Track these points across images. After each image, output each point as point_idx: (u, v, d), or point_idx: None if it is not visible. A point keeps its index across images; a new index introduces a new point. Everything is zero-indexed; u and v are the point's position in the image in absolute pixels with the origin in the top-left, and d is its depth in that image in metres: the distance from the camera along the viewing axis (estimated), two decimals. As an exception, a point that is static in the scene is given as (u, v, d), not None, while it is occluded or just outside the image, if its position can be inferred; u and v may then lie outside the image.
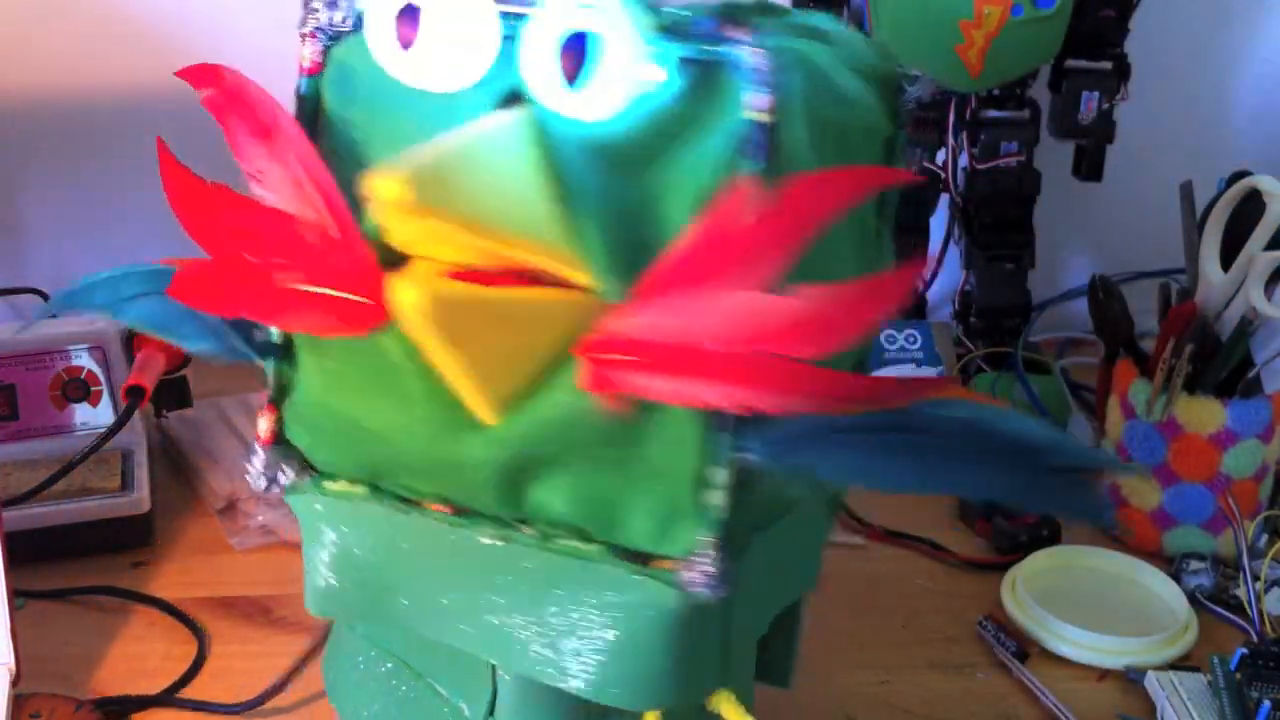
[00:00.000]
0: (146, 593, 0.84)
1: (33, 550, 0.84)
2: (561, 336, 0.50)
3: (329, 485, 0.57)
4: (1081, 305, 1.03)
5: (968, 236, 1.12)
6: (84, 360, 0.90)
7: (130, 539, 0.88)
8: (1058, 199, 1.22)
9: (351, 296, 0.51)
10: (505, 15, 0.50)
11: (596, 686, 0.54)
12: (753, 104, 0.48)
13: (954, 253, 1.16)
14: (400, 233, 0.50)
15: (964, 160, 1.09)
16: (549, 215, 0.48)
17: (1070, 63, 1.07)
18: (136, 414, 0.89)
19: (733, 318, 0.47)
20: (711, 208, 0.48)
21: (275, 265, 0.52)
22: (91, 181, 1.14)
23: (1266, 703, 0.74)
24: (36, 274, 1.15)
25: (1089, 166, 1.11)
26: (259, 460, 0.58)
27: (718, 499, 0.51)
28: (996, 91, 1.06)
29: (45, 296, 1.13)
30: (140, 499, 0.88)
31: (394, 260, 0.51)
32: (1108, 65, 1.07)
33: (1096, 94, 1.07)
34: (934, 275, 1.17)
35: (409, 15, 0.51)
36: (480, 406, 0.51)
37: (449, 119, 0.50)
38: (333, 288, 0.51)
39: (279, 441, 0.58)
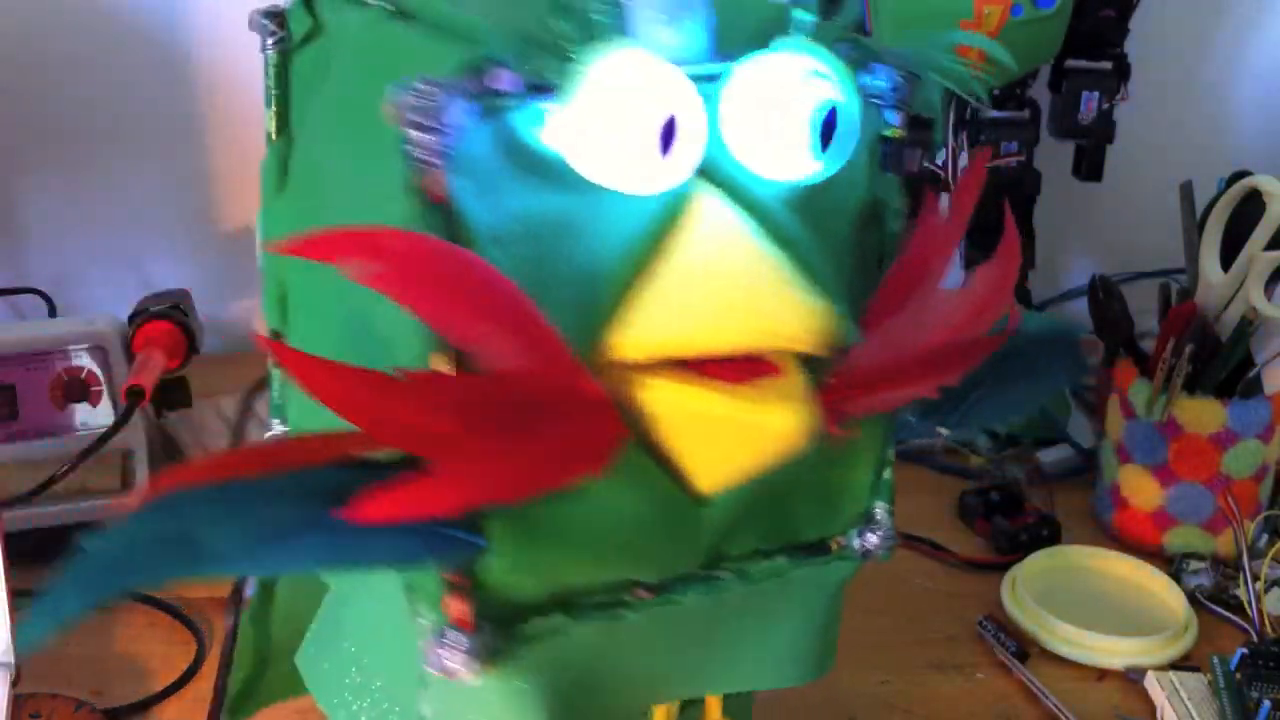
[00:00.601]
0: (146, 593, 0.84)
1: (33, 550, 0.84)
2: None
3: (527, 628, 0.50)
4: (1081, 305, 1.03)
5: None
6: (84, 360, 0.90)
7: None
8: (1058, 199, 1.22)
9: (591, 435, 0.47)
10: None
11: (801, 672, 0.60)
12: (895, 122, 0.53)
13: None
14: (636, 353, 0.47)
15: (964, 160, 1.09)
16: (788, 287, 0.48)
17: (1070, 63, 1.07)
18: (136, 414, 0.89)
19: (937, 319, 0.53)
20: (916, 226, 0.54)
21: (511, 437, 0.45)
22: (91, 181, 1.14)
23: (1267, 703, 0.74)
24: (36, 274, 1.15)
25: (1089, 166, 1.11)
26: (457, 652, 0.48)
27: (890, 472, 0.56)
28: (996, 91, 1.06)
29: (45, 296, 1.13)
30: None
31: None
32: (1108, 65, 1.07)
33: (1096, 94, 1.07)
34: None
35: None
36: (717, 485, 0.50)
37: (609, 218, 0.47)
38: (576, 435, 0.47)
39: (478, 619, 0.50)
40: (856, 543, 0.58)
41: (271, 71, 0.60)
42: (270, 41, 0.59)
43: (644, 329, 0.47)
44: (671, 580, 0.53)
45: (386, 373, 0.44)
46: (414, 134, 0.44)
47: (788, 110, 0.49)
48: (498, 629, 0.49)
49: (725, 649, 0.58)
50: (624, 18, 0.47)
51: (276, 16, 0.59)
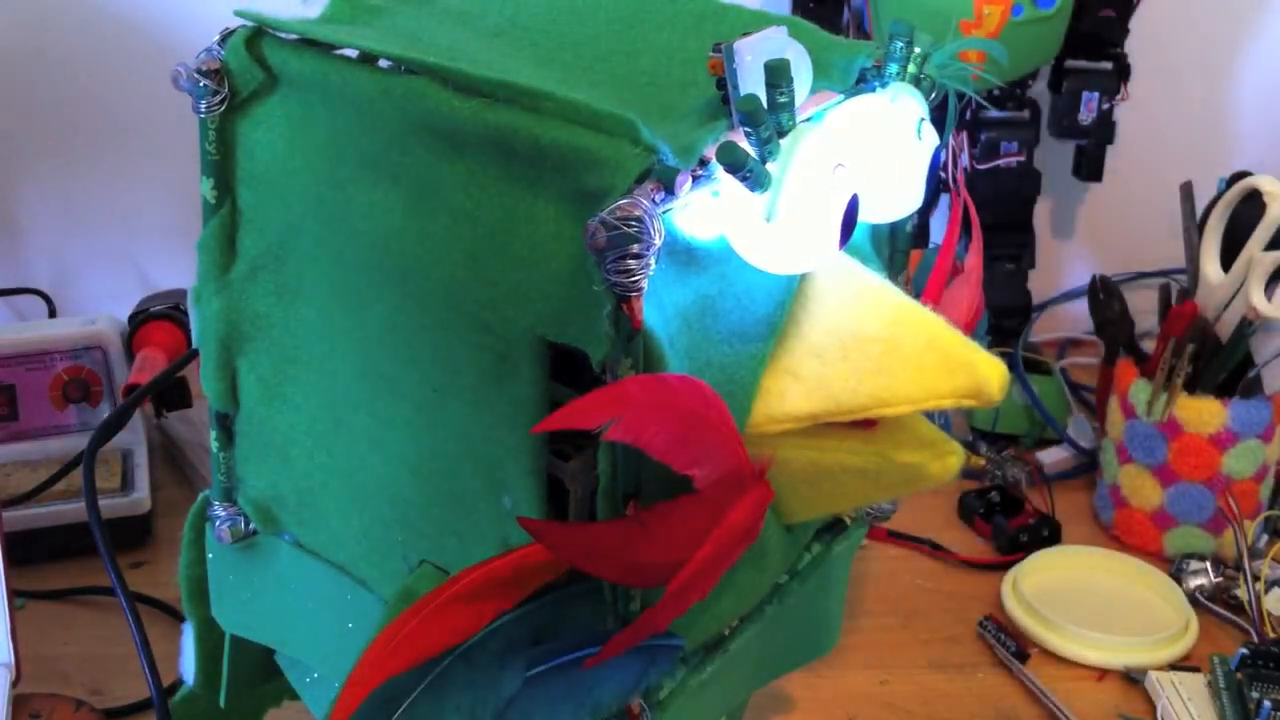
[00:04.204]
0: (146, 593, 0.84)
1: (33, 550, 0.84)
2: None
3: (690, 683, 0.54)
4: (1081, 305, 1.03)
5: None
6: (84, 360, 0.90)
7: (130, 539, 0.88)
8: (1058, 199, 1.22)
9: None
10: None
11: (829, 640, 0.64)
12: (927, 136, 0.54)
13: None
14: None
15: (964, 160, 1.09)
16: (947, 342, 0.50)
17: (1070, 63, 1.07)
18: (136, 414, 0.89)
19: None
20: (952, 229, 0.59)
21: (712, 539, 0.47)
22: (92, 182, 1.14)
23: (1267, 703, 0.74)
24: (36, 274, 1.15)
25: (1089, 166, 1.11)
26: None
27: None
28: (997, 91, 1.06)
29: (45, 296, 1.13)
30: (140, 499, 0.88)
31: None
32: (1108, 65, 1.07)
33: (1096, 94, 1.07)
34: (934, 275, 1.17)
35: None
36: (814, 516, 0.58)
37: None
38: (750, 513, 0.47)
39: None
40: (865, 508, 0.62)
41: (211, 135, 0.53)
42: (209, 103, 0.52)
43: (792, 402, 0.49)
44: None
45: (625, 523, 0.46)
46: (617, 263, 0.42)
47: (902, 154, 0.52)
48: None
49: (783, 642, 0.61)
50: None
51: (215, 74, 0.52)
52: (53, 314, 1.12)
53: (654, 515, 0.46)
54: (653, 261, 0.42)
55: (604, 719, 0.50)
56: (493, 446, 0.49)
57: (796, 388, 0.50)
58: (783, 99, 0.45)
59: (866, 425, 0.50)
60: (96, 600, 0.84)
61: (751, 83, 0.45)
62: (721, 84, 0.45)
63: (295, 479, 0.57)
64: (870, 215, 0.52)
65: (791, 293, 0.50)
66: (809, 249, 0.47)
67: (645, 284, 0.43)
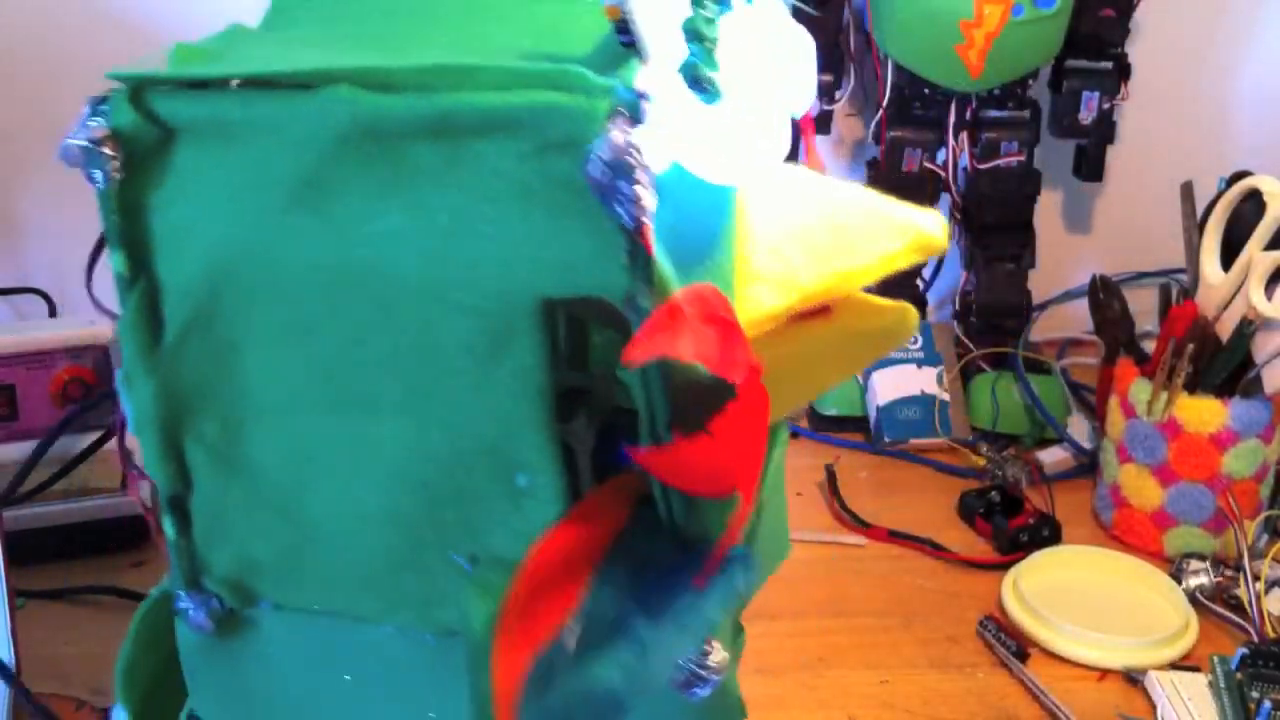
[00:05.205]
0: (147, 593, 0.84)
1: (33, 550, 0.84)
2: None
3: None
4: (1081, 305, 1.03)
5: (968, 236, 1.12)
6: (84, 360, 0.90)
7: (130, 539, 0.88)
8: (1058, 199, 1.22)
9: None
10: None
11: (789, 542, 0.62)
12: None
13: (954, 253, 1.16)
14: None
15: (964, 160, 1.09)
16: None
17: (1070, 63, 1.07)
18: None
19: None
20: None
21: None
22: (91, 181, 1.14)
23: (1267, 703, 0.74)
24: (36, 274, 1.15)
25: (1089, 166, 1.12)
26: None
27: None
28: (997, 91, 1.06)
29: (45, 296, 1.13)
30: (140, 499, 0.88)
31: None
32: (1108, 65, 1.07)
33: (1096, 94, 1.07)
34: (934, 275, 1.17)
35: None
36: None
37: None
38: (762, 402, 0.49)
39: None
40: None
41: (114, 205, 0.50)
42: (106, 174, 0.49)
43: (767, 303, 0.50)
44: None
45: (701, 438, 0.46)
46: (627, 194, 0.43)
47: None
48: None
49: (762, 552, 0.61)
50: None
51: (109, 140, 0.49)
52: (53, 314, 1.12)
53: (718, 426, 0.46)
54: (653, 187, 0.43)
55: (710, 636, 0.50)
56: (498, 426, 0.49)
57: (766, 288, 0.51)
58: (708, 14, 0.47)
59: (823, 314, 0.53)
60: (96, 600, 0.84)
61: (649, 22, 0.46)
62: (622, 27, 0.46)
63: (270, 539, 0.54)
64: (793, 108, 0.53)
65: (735, 203, 0.51)
66: (767, 146, 0.49)
67: (654, 208, 0.44)
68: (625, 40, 0.47)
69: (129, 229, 0.51)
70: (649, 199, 0.43)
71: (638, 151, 0.43)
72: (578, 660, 0.48)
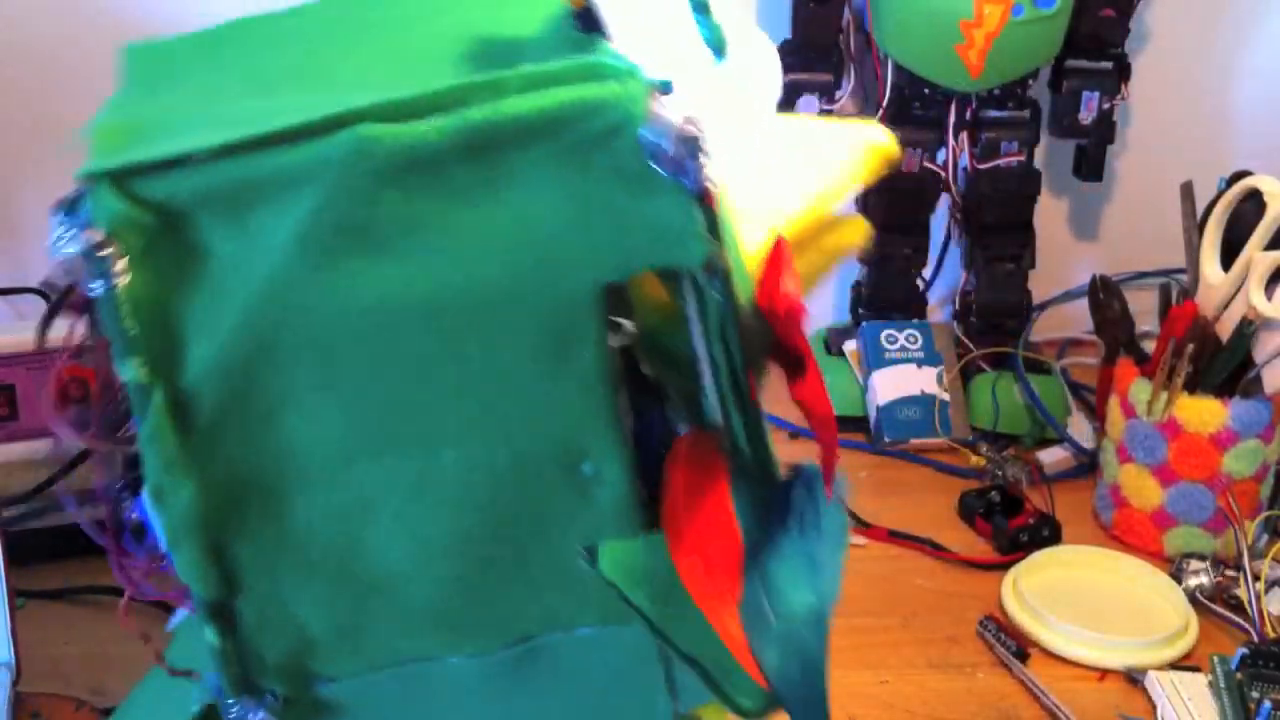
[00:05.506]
0: (144, 593, 0.84)
1: (33, 550, 0.84)
2: None
3: None
4: (1081, 305, 1.03)
5: (968, 236, 1.12)
6: (84, 360, 0.90)
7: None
8: (1058, 199, 1.22)
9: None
10: None
11: None
12: None
13: (954, 253, 1.16)
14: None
15: (964, 160, 1.09)
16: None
17: (1070, 63, 1.07)
18: (137, 414, 0.89)
19: None
20: None
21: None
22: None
23: (1267, 703, 0.74)
24: (36, 274, 1.15)
25: (1089, 166, 1.11)
26: None
27: None
28: (997, 91, 1.06)
29: (45, 297, 1.12)
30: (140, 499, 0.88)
31: None
32: (1108, 65, 1.07)
33: (1096, 94, 1.07)
34: (934, 275, 1.17)
35: None
36: None
37: None
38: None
39: None
40: None
41: (126, 309, 0.45)
42: (109, 279, 0.44)
43: (760, 238, 0.51)
44: None
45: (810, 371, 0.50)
46: (697, 166, 0.45)
47: None
48: None
49: None
50: None
51: (107, 242, 0.44)
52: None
53: (809, 359, 0.50)
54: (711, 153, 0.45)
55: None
56: (566, 423, 0.48)
57: (755, 226, 0.52)
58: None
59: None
60: (96, 600, 0.84)
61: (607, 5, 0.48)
62: (585, 13, 0.48)
63: (327, 610, 0.51)
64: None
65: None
66: (767, 98, 0.54)
67: (718, 174, 0.45)
68: (584, 26, 0.48)
69: (143, 330, 0.46)
70: (713, 166, 0.45)
71: (697, 123, 0.44)
72: (778, 595, 0.49)
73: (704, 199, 0.45)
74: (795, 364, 0.50)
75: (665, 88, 0.45)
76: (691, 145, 0.44)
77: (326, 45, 0.54)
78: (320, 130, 0.44)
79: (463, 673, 0.53)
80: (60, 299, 0.49)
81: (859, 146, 0.56)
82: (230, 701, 0.51)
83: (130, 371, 0.46)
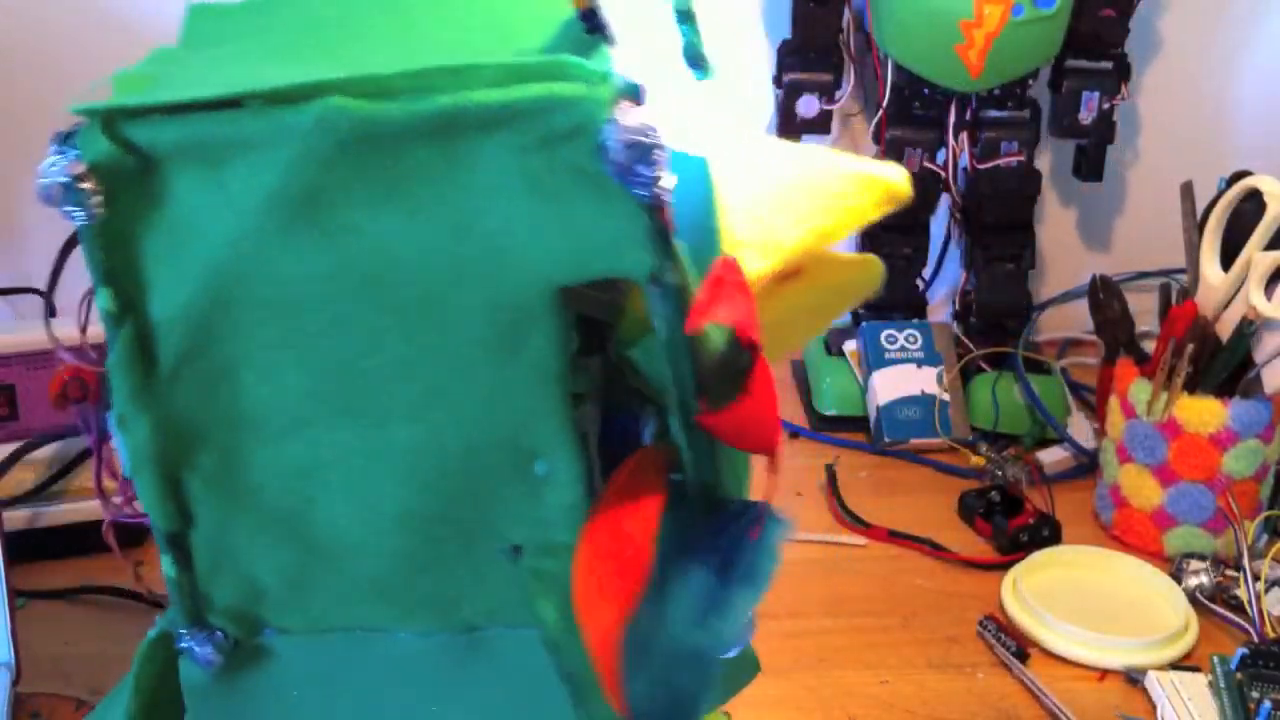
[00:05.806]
0: (147, 593, 0.84)
1: (33, 550, 0.84)
2: None
3: None
4: (1081, 305, 1.03)
5: (968, 236, 1.12)
6: (84, 360, 0.90)
7: (131, 539, 0.88)
8: (1058, 199, 1.22)
9: None
10: None
11: None
12: None
13: (954, 253, 1.16)
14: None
15: (964, 160, 1.09)
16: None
17: (1070, 63, 1.07)
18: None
19: None
20: None
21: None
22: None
23: (1267, 703, 0.74)
24: (37, 274, 1.15)
25: (1089, 167, 1.11)
26: None
27: None
28: (997, 91, 1.06)
29: (45, 296, 1.12)
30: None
31: None
32: (1108, 65, 1.07)
33: (1096, 94, 1.07)
34: (934, 275, 1.17)
35: None
36: None
37: None
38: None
39: None
40: None
41: (98, 241, 0.48)
42: (88, 209, 0.47)
43: (754, 267, 0.50)
44: None
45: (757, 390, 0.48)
46: (647, 174, 0.44)
47: None
48: None
49: None
50: None
51: (87, 176, 0.47)
52: (53, 314, 1.11)
53: (754, 386, 0.48)
54: (668, 165, 0.44)
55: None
56: (516, 418, 0.49)
57: (751, 253, 0.51)
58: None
59: (795, 274, 0.55)
60: (96, 600, 0.84)
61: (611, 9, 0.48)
62: (589, 15, 0.48)
63: (276, 563, 0.53)
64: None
65: (711, 173, 0.51)
66: (750, 113, 0.52)
67: (672, 186, 0.45)
68: (590, 27, 0.48)
69: (115, 265, 0.49)
70: (668, 178, 0.44)
71: (653, 132, 0.44)
72: (667, 626, 0.48)
73: (654, 209, 0.45)
74: (729, 389, 0.48)
75: (635, 94, 0.44)
76: (643, 152, 0.44)
77: (369, 18, 0.54)
78: (293, 97, 0.46)
79: (409, 650, 0.54)
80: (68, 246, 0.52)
81: (873, 184, 0.55)
82: (182, 630, 0.54)
83: (103, 300, 0.50)
